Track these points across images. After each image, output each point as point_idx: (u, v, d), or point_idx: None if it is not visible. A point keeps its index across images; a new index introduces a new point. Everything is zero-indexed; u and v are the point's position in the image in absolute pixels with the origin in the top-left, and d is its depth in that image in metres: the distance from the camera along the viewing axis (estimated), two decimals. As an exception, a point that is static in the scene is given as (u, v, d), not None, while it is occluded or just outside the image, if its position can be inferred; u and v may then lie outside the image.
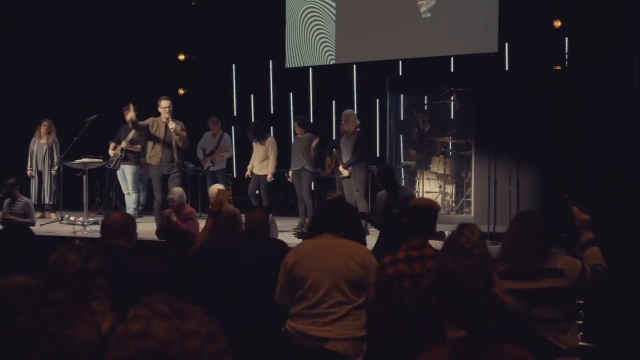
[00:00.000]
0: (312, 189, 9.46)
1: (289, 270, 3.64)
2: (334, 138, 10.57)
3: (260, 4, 11.80)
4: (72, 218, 9.24)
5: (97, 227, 8.30)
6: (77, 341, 2.31)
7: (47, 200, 9.88)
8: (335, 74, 11.61)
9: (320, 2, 11.64)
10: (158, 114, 8.33)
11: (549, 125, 7.82)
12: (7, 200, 7.97)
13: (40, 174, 9.86)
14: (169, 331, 1.35)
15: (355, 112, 9.14)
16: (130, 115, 8.30)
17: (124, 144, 9.34)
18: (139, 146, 9.41)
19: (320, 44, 11.66)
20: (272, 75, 12.44)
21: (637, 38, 8.39)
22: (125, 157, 9.39)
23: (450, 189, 9.03)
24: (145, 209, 10.37)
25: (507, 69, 10.33)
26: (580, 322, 4.61)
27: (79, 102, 10.95)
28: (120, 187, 9.89)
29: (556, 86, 8.12)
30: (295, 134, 9.78)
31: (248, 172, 9.58)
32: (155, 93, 8.84)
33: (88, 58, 11.60)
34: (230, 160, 10.83)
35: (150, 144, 8.28)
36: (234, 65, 12.55)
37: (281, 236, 7.53)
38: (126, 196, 9.63)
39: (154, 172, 8.30)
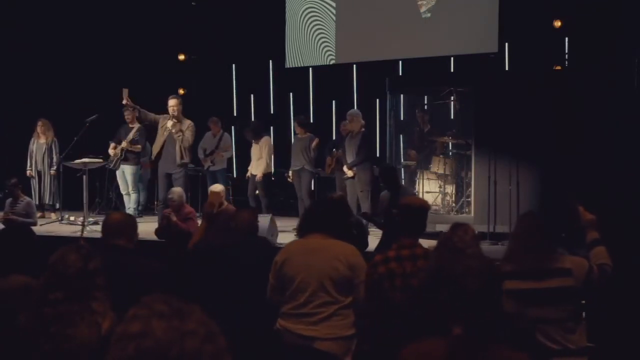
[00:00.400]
0: (312, 189, 9.47)
1: (278, 269, 3.67)
2: (334, 138, 10.58)
3: (260, 4, 11.80)
4: (72, 218, 9.24)
5: (97, 227, 8.32)
6: (77, 341, 2.31)
7: (47, 200, 9.87)
8: (335, 74, 11.61)
9: (320, 2, 11.64)
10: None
11: (549, 125, 7.81)
12: (9, 200, 7.97)
13: (39, 174, 9.85)
14: (168, 331, 1.35)
15: (359, 111, 9.09)
16: (124, 98, 8.32)
17: (124, 144, 9.34)
18: (139, 146, 9.41)
19: (320, 44, 11.66)
20: (272, 75, 12.44)
21: (637, 38, 8.39)
22: (126, 157, 9.39)
23: (450, 189, 9.02)
24: (145, 209, 10.38)
25: (507, 69, 10.33)
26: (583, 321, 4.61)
27: (79, 102, 10.94)
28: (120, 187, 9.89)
29: (556, 86, 8.11)
30: (295, 134, 9.79)
31: (248, 174, 9.61)
32: (155, 93, 8.86)
33: (88, 58, 11.60)
34: (230, 160, 10.83)
35: (157, 143, 8.40)
36: (234, 65, 12.55)
37: (281, 236, 7.54)
38: (124, 196, 9.63)
39: (159, 170, 8.44)
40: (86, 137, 9.21)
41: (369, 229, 7.56)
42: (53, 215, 9.90)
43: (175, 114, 8.24)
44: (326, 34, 11.60)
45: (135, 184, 9.55)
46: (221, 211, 6.95)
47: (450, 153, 9.20)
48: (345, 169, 8.49)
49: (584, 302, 3.89)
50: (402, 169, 9.74)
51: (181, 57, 12.30)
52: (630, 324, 4.95)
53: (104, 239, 3.57)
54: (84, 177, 8.73)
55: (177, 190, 6.98)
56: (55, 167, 9.79)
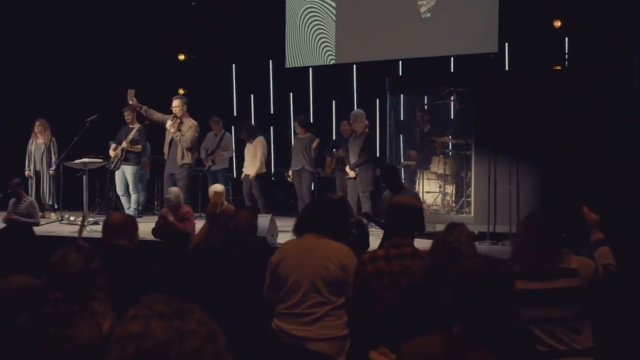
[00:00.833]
0: (312, 189, 9.47)
1: (273, 268, 3.69)
2: (334, 138, 10.57)
3: (260, 4, 11.79)
4: (72, 218, 9.24)
5: (97, 227, 8.33)
6: (78, 341, 2.31)
7: (46, 200, 9.87)
8: (335, 74, 11.61)
9: (320, 2, 11.63)
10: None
11: (549, 125, 7.81)
12: (12, 201, 7.98)
13: (38, 174, 9.84)
14: (168, 331, 1.35)
15: (363, 112, 9.06)
16: (130, 99, 8.43)
17: (124, 144, 9.33)
18: (139, 146, 9.41)
19: (320, 44, 11.66)
20: (272, 75, 12.44)
21: (637, 38, 8.39)
22: (126, 158, 9.39)
23: (450, 189, 9.02)
24: (145, 209, 10.38)
25: (507, 69, 10.32)
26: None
27: (79, 102, 10.94)
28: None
29: (556, 86, 8.11)
30: (295, 133, 9.79)
31: (243, 175, 9.59)
32: (155, 93, 8.86)
33: (88, 58, 11.60)
34: (230, 160, 10.83)
35: (165, 143, 8.58)
36: (234, 65, 12.55)
37: (281, 236, 7.53)
38: (121, 197, 9.63)
39: (165, 171, 8.65)
40: (86, 137, 9.21)
41: (370, 229, 7.55)
42: (53, 215, 9.89)
43: (178, 114, 8.33)
44: (326, 34, 11.59)
45: (136, 184, 9.55)
46: (222, 211, 6.97)
47: (450, 153, 9.19)
48: (347, 169, 8.50)
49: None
50: (402, 169, 9.74)
51: (181, 57, 12.30)
52: (632, 325, 4.95)
53: (104, 239, 3.58)
54: (84, 177, 8.73)
55: (175, 190, 6.98)
56: (54, 167, 9.78)
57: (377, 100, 11.08)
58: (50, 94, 11.26)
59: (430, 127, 9.44)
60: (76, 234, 5.16)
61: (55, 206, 9.96)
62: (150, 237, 7.08)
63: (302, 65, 11.91)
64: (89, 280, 2.45)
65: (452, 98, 8.90)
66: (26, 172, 9.80)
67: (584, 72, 8.76)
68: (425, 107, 9.80)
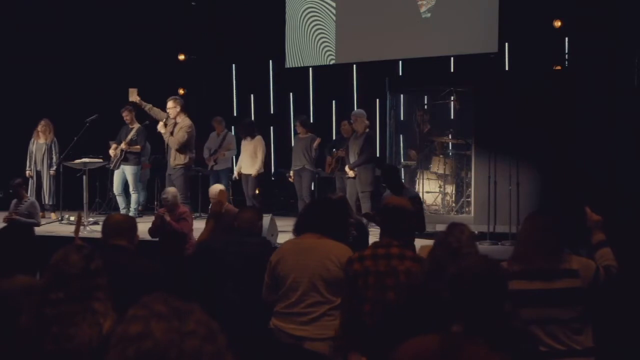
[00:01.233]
0: (312, 189, 9.46)
1: (272, 268, 3.71)
2: (334, 138, 10.58)
3: (260, 4, 11.79)
4: (72, 218, 9.24)
5: (97, 227, 8.33)
6: (79, 341, 2.31)
7: (46, 201, 9.87)
8: (335, 74, 11.61)
9: (320, 2, 11.63)
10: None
11: (549, 125, 7.81)
12: (14, 201, 7.99)
13: (39, 174, 9.85)
14: (168, 332, 1.34)
15: (364, 112, 9.06)
16: (134, 98, 8.45)
17: (122, 145, 9.33)
18: (138, 146, 9.41)
19: (320, 44, 11.65)
20: (272, 75, 12.44)
21: (637, 38, 8.39)
22: (125, 158, 9.39)
23: (450, 189, 9.02)
24: (145, 208, 10.38)
25: (507, 69, 10.32)
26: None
27: (79, 102, 10.94)
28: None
29: (556, 86, 8.11)
30: (296, 133, 9.79)
31: (235, 174, 9.54)
32: (156, 93, 8.86)
33: (88, 58, 11.60)
34: (233, 160, 10.83)
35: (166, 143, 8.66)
36: (234, 65, 12.55)
37: (281, 236, 7.53)
38: (117, 197, 9.63)
39: (167, 171, 8.67)
40: (86, 137, 9.21)
41: (371, 229, 7.55)
42: (53, 215, 9.89)
43: (172, 115, 8.36)
44: (326, 34, 11.59)
45: (136, 184, 9.55)
46: (224, 211, 6.97)
47: (450, 153, 9.19)
48: (347, 169, 8.50)
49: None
50: (402, 169, 9.74)
51: (181, 57, 12.29)
52: (632, 325, 4.95)
53: (104, 239, 3.58)
54: (84, 177, 8.73)
55: (171, 190, 6.96)
56: (54, 168, 9.78)
57: (377, 100, 11.08)
58: (50, 94, 11.26)
59: (430, 127, 9.44)
60: (77, 234, 5.14)
61: (56, 206, 9.96)
62: (150, 237, 7.08)
63: (302, 65, 11.91)
64: (90, 280, 2.45)
65: (452, 98, 8.90)
66: (27, 172, 9.80)
67: (584, 72, 8.76)
68: (425, 107, 9.80)
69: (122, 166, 9.39)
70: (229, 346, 1.41)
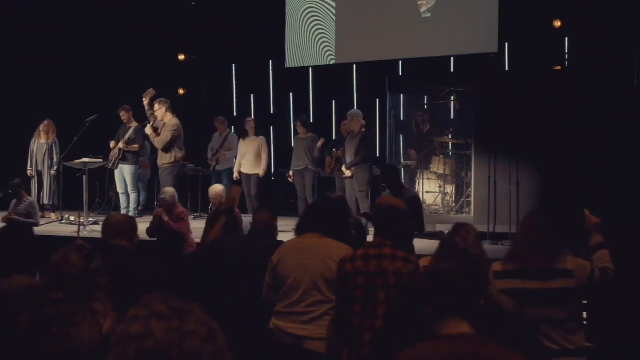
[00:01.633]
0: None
1: (273, 268, 3.71)
2: (334, 138, 10.58)
3: (260, 4, 11.79)
4: (72, 218, 9.24)
5: (97, 227, 8.33)
6: (79, 341, 2.31)
7: (47, 200, 9.87)
8: (335, 74, 11.61)
9: (320, 2, 11.63)
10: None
11: (549, 125, 7.81)
12: (14, 201, 8.00)
13: (39, 174, 9.85)
14: (168, 332, 1.35)
15: (360, 111, 9.08)
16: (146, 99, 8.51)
17: (121, 145, 9.34)
18: (136, 146, 9.41)
19: (320, 44, 11.65)
20: (272, 75, 12.44)
21: (637, 38, 8.39)
22: (124, 157, 9.39)
23: (450, 189, 9.02)
24: (145, 208, 10.38)
25: (507, 69, 10.32)
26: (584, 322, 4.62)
27: (79, 102, 10.95)
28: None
29: (556, 86, 8.11)
30: (297, 133, 9.79)
31: (236, 174, 9.55)
32: (156, 93, 8.85)
33: (88, 58, 11.60)
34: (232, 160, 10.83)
35: None
36: (234, 65, 12.55)
37: (281, 236, 7.52)
38: (121, 195, 9.64)
39: None
40: (86, 137, 9.21)
41: (371, 229, 7.55)
42: (53, 215, 9.90)
43: (159, 117, 8.45)
44: (326, 34, 11.59)
45: (135, 183, 9.55)
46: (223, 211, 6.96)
47: (450, 153, 9.20)
48: (343, 169, 8.50)
49: (585, 302, 3.89)
50: (402, 169, 9.75)
51: (181, 57, 12.29)
52: (630, 325, 4.95)
53: (104, 239, 3.58)
54: (84, 177, 8.73)
55: (169, 190, 6.97)
56: (55, 168, 9.79)
57: (377, 100, 11.08)
58: (50, 94, 11.26)
59: (430, 127, 9.44)
60: (76, 234, 5.15)
61: (57, 206, 9.97)
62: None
63: (302, 65, 11.91)
64: (90, 280, 2.45)
65: (452, 98, 8.90)
66: (28, 172, 9.81)
67: (584, 72, 8.76)
68: (425, 107, 9.80)
69: (120, 166, 9.39)
70: (229, 346, 1.41)
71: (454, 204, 8.99)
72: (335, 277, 3.53)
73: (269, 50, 12.02)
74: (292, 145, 10.21)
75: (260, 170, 9.36)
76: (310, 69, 11.98)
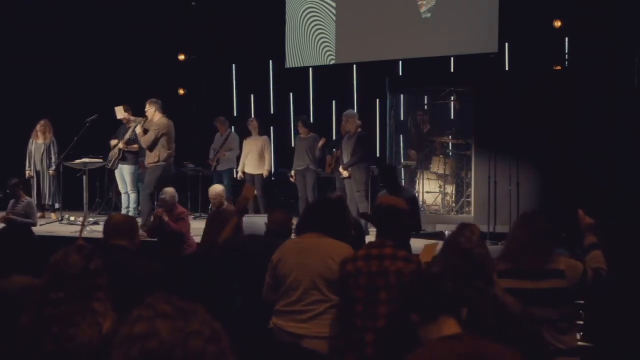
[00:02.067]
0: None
1: (273, 267, 3.72)
2: (334, 138, 10.59)
3: (260, 4, 11.79)
4: (72, 218, 9.25)
5: (97, 227, 8.33)
6: (79, 341, 2.31)
7: (46, 201, 9.87)
8: (335, 74, 11.61)
9: (320, 2, 11.63)
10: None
11: (549, 125, 7.82)
12: (11, 201, 8.00)
13: (38, 174, 9.85)
14: (173, 332, 1.35)
15: (355, 112, 9.14)
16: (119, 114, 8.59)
17: (120, 144, 9.34)
18: (135, 146, 9.40)
19: (320, 44, 11.66)
20: (272, 75, 12.44)
21: (637, 38, 8.39)
22: (123, 157, 9.39)
23: (450, 189, 9.03)
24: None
25: (507, 69, 10.32)
26: (581, 322, 4.62)
27: (79, 102, 10.95)
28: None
29: (556, 86, 8.11)
30: (297, 133, 9.80)
31: (240, 173, 9.59)
32: (156, 93, 8.86)
33: (88, 58, 11.60)
34: (237, 160, 10.81)
35: None
36: (234, 65, 12.55)
37: (281, 236, 7.53)
38: (122, 195, 9.64)
39: None
40: (86, 137, 9.21)
41: (371, 229, 7.56)
42: (53, 215, 9.90)
43: (149, 117, 8.44)
44: (326, 34, 11.59)
45: (134, 183, 9.55)
46: (222, 211, 6.97)
47: (450, 153, 9.20)
48: (340, 169, 8.52)
49: (582, 302, 3.89)
50: (402, 169, 9.76)
51: (181, 57, 12.29)
52: (628, 324, 4.96)
53: (105, 239, 3.59)
54: (84, 177, 8.73)
55: (169, 191, 6.97)
56: (54, 167, 9.79)
57: (377, 100, 11.08)
58: (50, 94, 11.26)
59: (430, 127, 9.45)
60: (77, 234, 5.15)
61: (56, 206, 9.96)
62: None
63: (302, 65, 11.91)
64: (90, 280, 2.45)
65: (452, 98, 8.91)
66: (27, 172, 9.81)
67: (584, 72, 8.76)
68: (425, 107, 9.81)
69: (120, 165, 9.39)
70: (232, 347, 1.41)
71: (454, 204, 8.99)
72: (334, 277, 3.54)
73: (269, 50, 12.02)
74: (293, 145, 10.21)
75: (264, 170, 9.41)
76: (310, 69, 11.98)
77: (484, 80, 8.78)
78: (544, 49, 9.72)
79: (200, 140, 10.72)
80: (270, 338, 3.67)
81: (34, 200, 9.41)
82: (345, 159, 8.47)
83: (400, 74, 11.16)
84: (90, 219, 8.85)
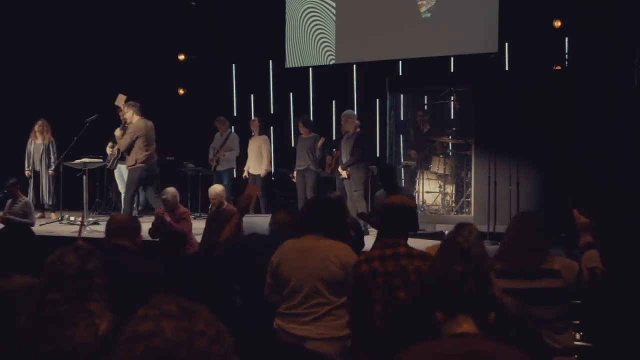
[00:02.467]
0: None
1: (274, 269, 3.71)
2: (334, 138, 10.59)
3: (260, 4, 11.79)
4: (72, 218, 9.24)
5: (97, 227, 8.34)
6: (76, 342, 2.31)
7: (46, 201, 9.87)
8: (335, 74, 11.61)
9: (320, 2, 11.63)
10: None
11: (549, 125, 7.82)
12: (9, 201, 8.00)
13: (37, 174, 9.85)
14: (178, 332, 1.35)
15: (355, 112, 9.15)
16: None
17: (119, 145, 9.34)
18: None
19: (320, 44, 11.66)
20: (272, 75, 12.44)
21: (637, 38, 8.39)
22: (122, 157, 9.37)
23: (450, 189, 9.03)
24: (144, 208, 10.37)
25: (507, 69, 10.32)
26: (578, 322, 4.62)
27: (78, 102, 10.94)
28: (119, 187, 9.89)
29: (556, 86, 8.12)
30: (298, 133, 9.80)
31: (246, 173, 9.62)
32: (156, 93, 8.86)
33: (88, 58, 11.60)
34: (237, 160, 10.81)
35: None
36: (234, 65, 12.54)
37: (281, 236, 7.53)
38: (123, 195, 9.63)
39: None
40: (86, 137, 9.21)
41: (371, 229, 7.56)
42: (53, 215, 9.90)
43: (127, 119, 8.45)
44: (326, 34, 11.59)
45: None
46: (221, 211, 6.97)
47: (450, 153, 9.20)
48: (339, 169, 8.53)
49: (579, 302, 3.89)
50: (402, 169, 9.76)
51: (181, 57, 12.29)
52: (626, 324, 4.96)
53: (107, 239, 3.59)
54: (84, 177, 8.73)
55: (171, 191, 6.95)
56: (53, 167, 9.78)
57: (377, 100, 11.08)
58: (50, 94, 11.26)
59: (430, 127, 9.45)
60: (76, 234, 5.15)
61: (56, 206, 9.96)
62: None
63: (302, 65, 11.90)
64: (87, 281, 2.45)
65: (452, 98, 8.91)
66: (26, 172, 9.81)
67: (584, 72, 8.77)
68: (426, 107, 9.81)
69: (118, 165, 9.38)
70: (235, 348, 1.41)
71: (454, 204, 8.99)
72: (334, 278, 3.53)
73: (269, 50, 12.02)
74: (293, 145, 10.22)
75: (262, 170, 9.40)
76: (310, 69, 11.97)
77: (484, 80, 8.78)
78: (544, 49, 9.72)
79: (200, 141, 10.71)
80: (273, 338, 3.67)
81: (32, 200, 9.43)
82: (345, 159, 8.48)
83: (400, 74, 11.16)
84: (90, 219, 8.85)
